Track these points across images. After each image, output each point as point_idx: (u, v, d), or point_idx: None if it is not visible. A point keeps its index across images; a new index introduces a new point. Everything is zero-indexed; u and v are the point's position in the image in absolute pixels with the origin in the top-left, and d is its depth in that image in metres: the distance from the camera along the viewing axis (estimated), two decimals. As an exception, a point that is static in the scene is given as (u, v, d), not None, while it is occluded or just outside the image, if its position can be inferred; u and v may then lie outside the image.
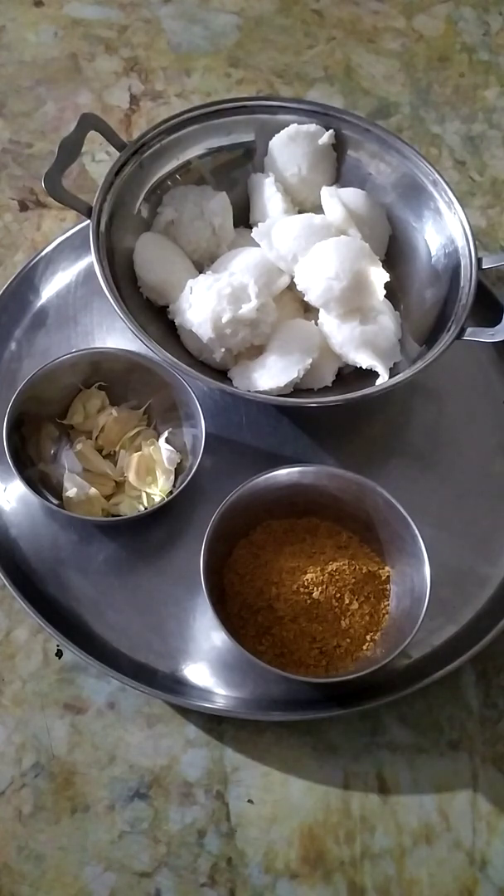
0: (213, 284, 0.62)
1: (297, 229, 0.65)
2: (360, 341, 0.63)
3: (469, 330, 0.62)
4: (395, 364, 0.65)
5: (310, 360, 0.63)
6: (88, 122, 0.65)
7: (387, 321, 0.65)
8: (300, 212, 0.69)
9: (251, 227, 0.69)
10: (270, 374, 0.62)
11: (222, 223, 0.68)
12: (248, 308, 0.62)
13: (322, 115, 0.70)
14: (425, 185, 0.68)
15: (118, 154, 0.67)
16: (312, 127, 0.69)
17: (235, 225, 0.70)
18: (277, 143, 0.69)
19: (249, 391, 0.62)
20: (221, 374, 0.66)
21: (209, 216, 0.68)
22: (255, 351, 0.64)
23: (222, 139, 0.70)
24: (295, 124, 0.69)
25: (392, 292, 0.68)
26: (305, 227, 0.65)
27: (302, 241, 0.64)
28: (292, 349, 0.63)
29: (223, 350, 0.63)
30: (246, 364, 0.64)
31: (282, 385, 0.62)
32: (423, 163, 0.68)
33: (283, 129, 0.69)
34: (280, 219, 0.67)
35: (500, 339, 0.61)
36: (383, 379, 0.63)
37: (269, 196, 0.69)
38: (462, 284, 0.64)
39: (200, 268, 0.68)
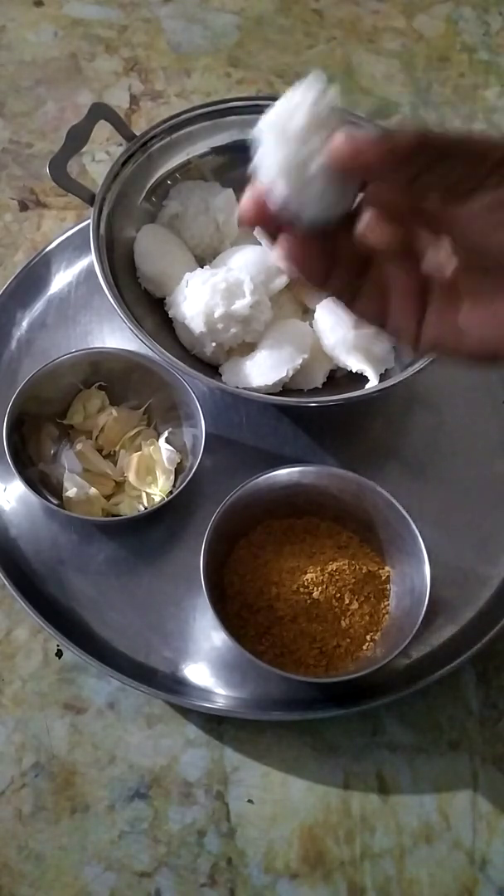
0: (209, 279, 0.62)
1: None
2: (353, 345, 0.63)
3: None
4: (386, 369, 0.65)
5: (300, 360, 0.62)
6: (99, 111, 0.66)
7: None
8: None
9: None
10: (260, 371, 0.62)
11: (226, 220, 0.68)
12: (241, 304, 0.62)
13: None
14: None
15: (121, 152, 0.67)
16: None
17: None
18: None
19: (239, 387, 0.62)
20: (217, 370, 0.66)
21: (214, 212, 0.68)
22: (247, 348, 0.64)
23: (234, 137, 0.70)
24: None
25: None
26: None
27: None
28: (284, 348, 0.63)
29: (214, 345, 0.63)
30: (236, 360, 0.64)
31: (270, 383, 0.62)
32: None
33: None
34: None
35: None
36: (373, 384, 0.63)
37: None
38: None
39: (202, 263, 0.68)
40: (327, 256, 0.36)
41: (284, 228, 0.35)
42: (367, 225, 0.35)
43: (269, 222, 0.35)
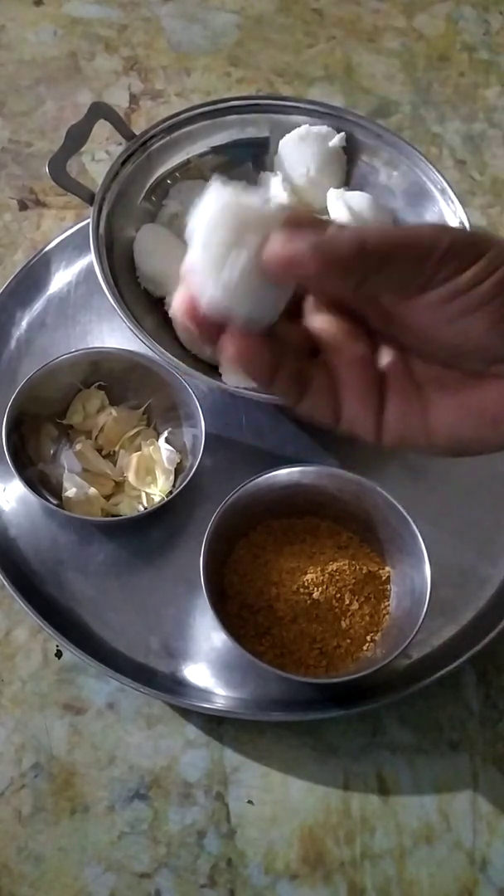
0: None
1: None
2: None
3: None
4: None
5: None
6: (99, 111, 0.66)
7: None
8: None
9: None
10: None
11: None
12: None
13: (335, 118, 0.69)
14: (433, 193, 0.68)
15: (120, 151, 0.67)
16: (324, 129, 0.69)
17: None
18: (287, 142, 0.69)
19: (239, 387, 0.62)
20: (217, 370, 0.66)
21: None
22: None
23: (233, 136, 0.70)
24: (306, 125, 0.69)
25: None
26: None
27: None
28: None
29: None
30: None
31: None
32: (434, 172, 0.68)
33: (295, 129, 0.69)
34: None
35: None
36: None
37: (276, 195, 0.69)
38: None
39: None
40: (273, 353, 0.32)
41: (225, 328, 0.32)
42: (311, 317, 0.34)
43: (204, 323, 0.32)
